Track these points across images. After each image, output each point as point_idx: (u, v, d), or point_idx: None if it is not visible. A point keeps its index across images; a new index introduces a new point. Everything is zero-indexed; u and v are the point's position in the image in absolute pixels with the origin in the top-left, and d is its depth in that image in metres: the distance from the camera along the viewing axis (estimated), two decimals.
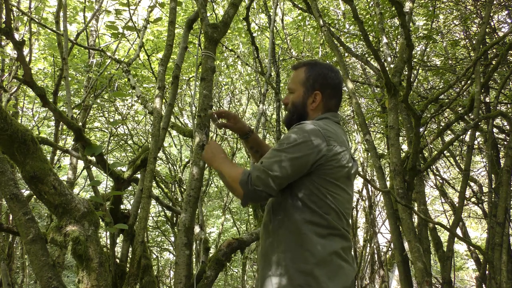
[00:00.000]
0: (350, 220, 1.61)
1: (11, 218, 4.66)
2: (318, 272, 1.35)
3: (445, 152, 5.91)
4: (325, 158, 1.41)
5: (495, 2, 5.15)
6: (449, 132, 6.68)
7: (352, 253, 1.51)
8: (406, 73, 3.52)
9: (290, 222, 1.44)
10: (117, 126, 6.47)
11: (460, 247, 9.55)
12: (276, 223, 1.48)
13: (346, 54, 6.01)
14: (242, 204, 1.49)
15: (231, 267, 9.94)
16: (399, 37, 4.68)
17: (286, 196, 1.48)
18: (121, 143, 7.38)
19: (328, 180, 1.43)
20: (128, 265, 2.48)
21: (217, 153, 1.61)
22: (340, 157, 1.44)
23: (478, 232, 10.78)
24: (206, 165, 2.48)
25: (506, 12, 5.75)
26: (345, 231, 1.46)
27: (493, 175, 4.72)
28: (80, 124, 4.32)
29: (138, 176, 3.03)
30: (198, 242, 2.94)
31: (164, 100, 3.12)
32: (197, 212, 2.52)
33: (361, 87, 7.19)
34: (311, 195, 1.43)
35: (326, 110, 1.60)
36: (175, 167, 7.60)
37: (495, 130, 5.36)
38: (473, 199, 6.22)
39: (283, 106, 1.72)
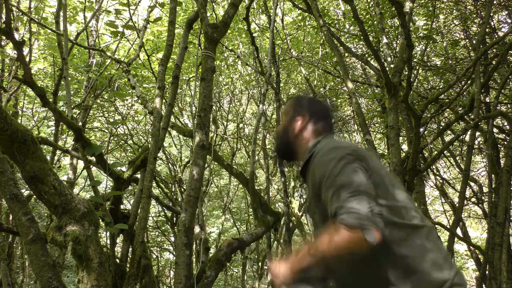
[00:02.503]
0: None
1: (11, 218, 4.66)
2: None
3: (445, 152, 5.91)
4: (365, 165, 1.29)
5: (495, 2, 5.15)
6: (449, 132, 6.68)
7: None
8: (406, 73, 3.52)
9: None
10: (117, 126, 6.47)
11: (460, 247, 9.55)
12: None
13: (346, 54, 6.01)
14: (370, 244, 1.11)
15: (231, 267, 9.94)
16: (399, 37, 4.68)
17: None
18: (121, 143, 7.38)
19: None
20: (128, 265, 2.48)
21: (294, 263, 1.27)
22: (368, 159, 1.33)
23: (478, 232, 10.77)
24: (206, 165, 2.47)
25: (506, 12, 5.75)
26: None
27: (493, 175, 4.72)
28: (80, 124, 4.32)
29: (138, 176, 3.03)
30: (198, 242, 2.93)
31: (164, 100, 3.12)
32: (197, 212, 2.52)
33: (361, 87, 7.18)
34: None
35: (315, 135, 1.53)
36: (175, 167, 7.60)
37: (495, 130, 5.36)
38: (473, 199, 6.22)
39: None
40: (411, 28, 5.09)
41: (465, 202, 5.60)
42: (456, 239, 4.04)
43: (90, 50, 5.49)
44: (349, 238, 1.12)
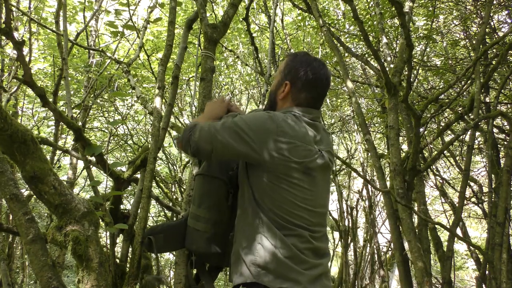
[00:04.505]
0: (327, 217, 1.58)
1: (11, 218, 4.65)
2: (269, 266, 1.37)
3: (445, 152, 5.90)
4: (270, 152, 1.37)
5: (495, 2, 5.14)
6: (449, 132, 6.68)
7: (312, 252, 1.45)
8: (406, 73, 3.52)
9: (246, 213, 1.46)
10: (117, 126, 6.47)
11: (460, 247, 9.55)
12: (239, 212, 1.52)
13: (346, 54, 6.01)
14: (177, 146, 1.64)
15: None
16: (399, 37, 4.68)
17: (246, 187, 1.48)
18: (121, 143, 7.38)
19: (277, 175, 1.39)
20: (128, 265, 2.47)
21: (211, 111, 1.70)
22: (288, 152, 1.38)
23: (478, 232, 10.77)
24: None
25: (506, 12, 5.75)
26: (304, 230, 1.41)
27: (493, 175, 4.72)
28: (80, 124, 4.32)
29: (138, 176, 3.03)
30: None
31: (164, 100, 3.12)
32: None
33: (361, 87, 7.18)
34: (262, 189, 1.41)
35: (295, 104, 1.54)
36: (175, 167, 7.60)
37: (495, 130, 5.36)
38: (473, 199, 6.22)
39: None
40: (411, 28, 5.09)
41: (465, 202, 5.60)
42: (456, 239, 4.03)
43: (90, 50, 5.48)
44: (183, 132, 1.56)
